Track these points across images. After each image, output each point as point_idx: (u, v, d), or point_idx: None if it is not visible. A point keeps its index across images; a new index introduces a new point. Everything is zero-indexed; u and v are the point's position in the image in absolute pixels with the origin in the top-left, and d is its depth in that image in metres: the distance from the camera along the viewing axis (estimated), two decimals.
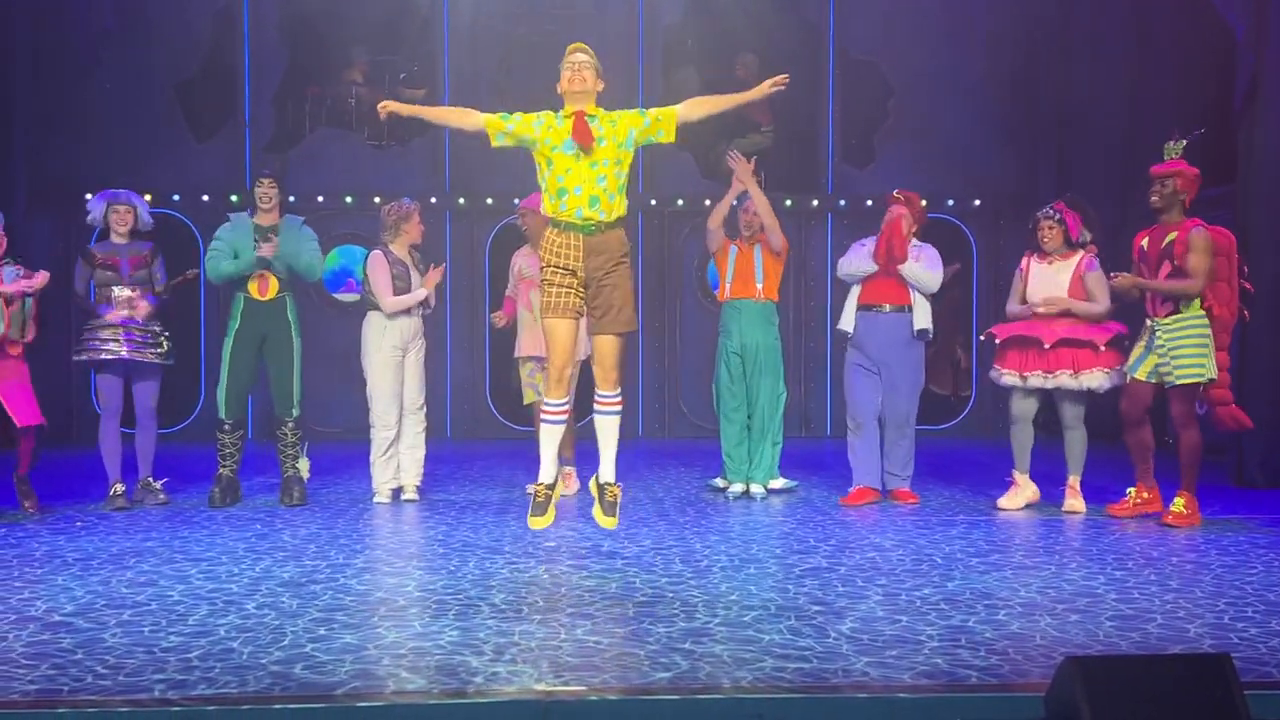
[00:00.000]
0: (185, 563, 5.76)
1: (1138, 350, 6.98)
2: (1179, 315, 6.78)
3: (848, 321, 7.76)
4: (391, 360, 7.62)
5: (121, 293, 7.35)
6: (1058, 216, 7.31)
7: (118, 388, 7.42)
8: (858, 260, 7.75)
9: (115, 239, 7.50)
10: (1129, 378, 6.98)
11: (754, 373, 7.95)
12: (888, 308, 7.63)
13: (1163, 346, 6.82)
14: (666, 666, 4.07)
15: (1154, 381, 6.89)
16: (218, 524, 6.86)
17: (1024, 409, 7.39)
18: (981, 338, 8.42)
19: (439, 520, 7.02)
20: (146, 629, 4.54)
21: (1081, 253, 7.30)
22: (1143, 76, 10.76)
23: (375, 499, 7.65)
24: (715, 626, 4.59)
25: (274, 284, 7.50)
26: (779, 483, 8.04)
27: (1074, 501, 7.30)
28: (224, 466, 7.56)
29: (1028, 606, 4.92)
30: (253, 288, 7.48)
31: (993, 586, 5.28)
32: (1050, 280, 7.29)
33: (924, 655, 4.21)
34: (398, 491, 7.75)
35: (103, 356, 7.29)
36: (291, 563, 5.77)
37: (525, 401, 8.07)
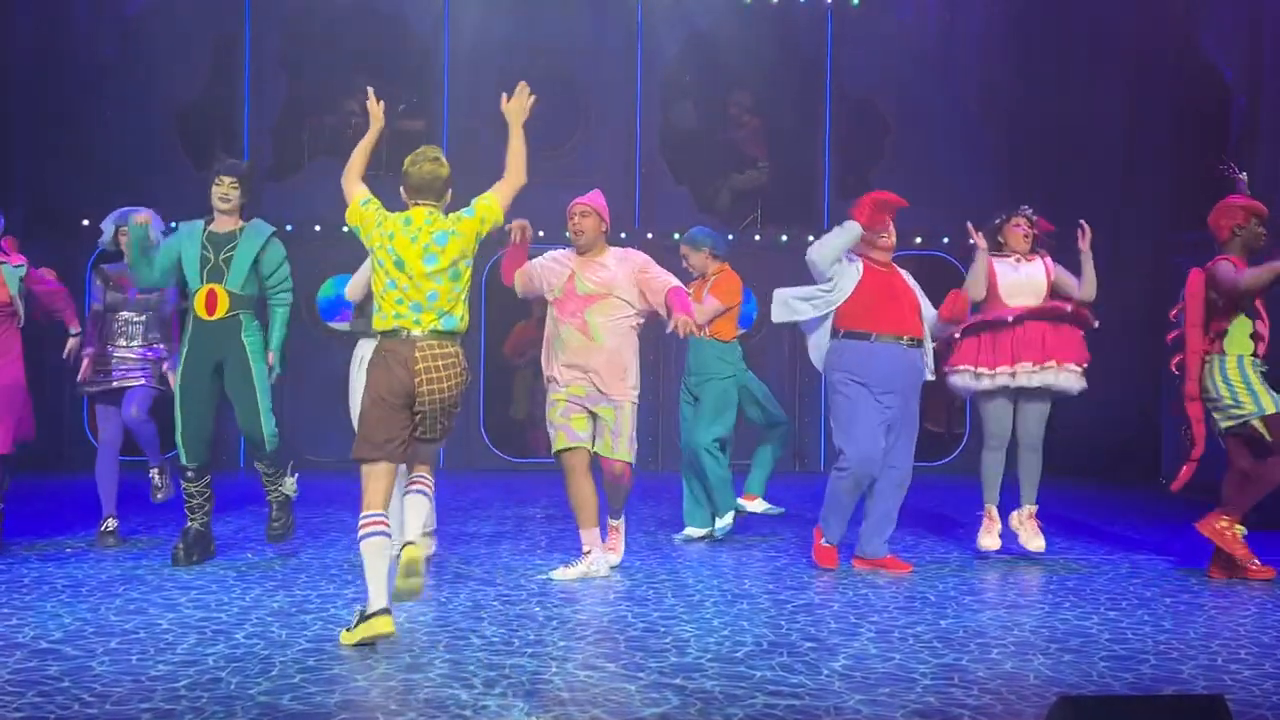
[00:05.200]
0: (175, 591, 5.73)
1: (1258, 384, 6.36)
2: None
3: (819, 347, 6.64)
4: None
5: (128, 319, 7.18)
6: (1034, 216, 7.01)
7: (115, 416, 7.20)
8: (841, 233, 6.58)
9: (127, 260, 6.93)
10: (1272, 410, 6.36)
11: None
12: (905, 340, 6.45)
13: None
14: (657, 702, 4.04)
15: None
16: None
17: (1005, 426, 6.80)
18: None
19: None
20: (134, 657, 4.51)
21: (1038, 256, 6.99)
22: (1139, 116, 10.84)
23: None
24: (707, 662, 4.56)
25: (223, 300, 6.39)
26: (725, 520, 7.43)
27: (1037, 540, 6.81)
28: (192, 519, 6.54)
29: (1021, 645, 4.90)
30: (199, 305, 6.40)
31: (986, 625, 5.26)
32: (1026, 282, 6.88)
33: (917, 693, 4.19)
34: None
35: (97, 389, 7.14)
36: (281, 592, 5.74)
37: (556, 448, 6.35)
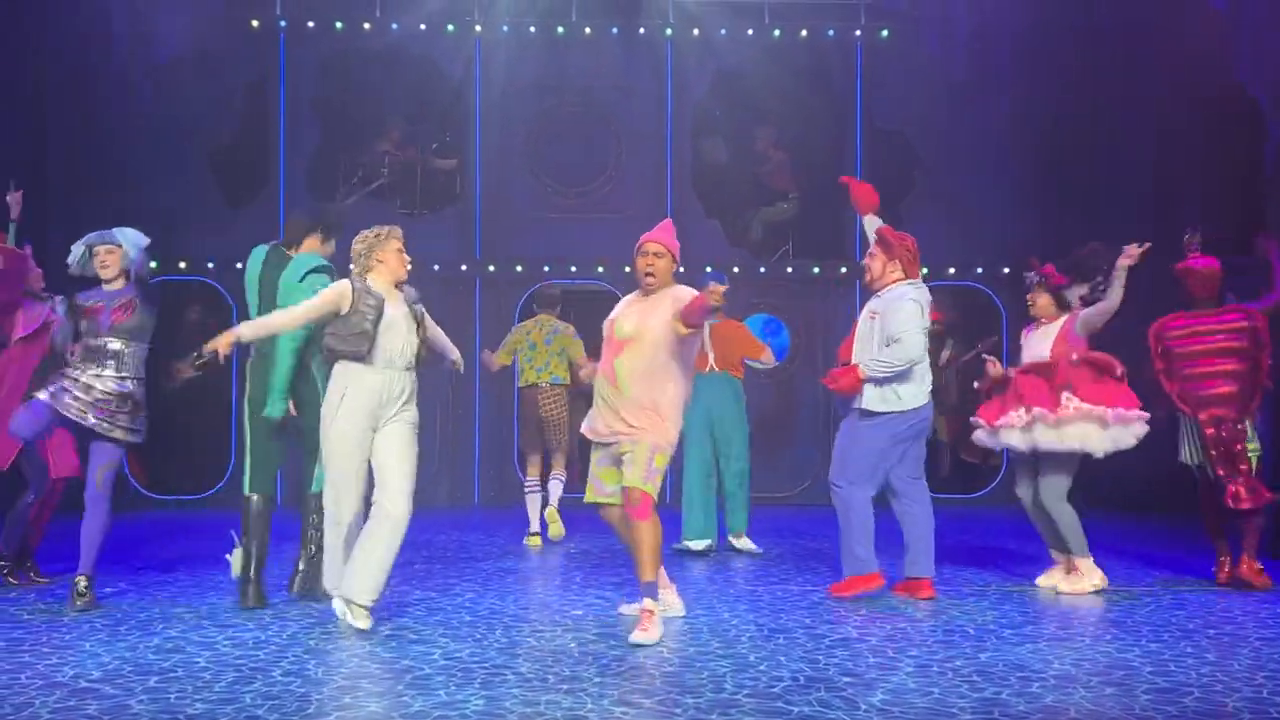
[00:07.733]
0: (213, 629, 5.75)
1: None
2: None
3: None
4: (354, 430, 5.72)
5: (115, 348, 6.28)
6: (1039, 280, 7.22)
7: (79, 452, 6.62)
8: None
9: (104, 286, 6.44)
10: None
11: None
12: None
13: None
14: None
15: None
16: None
17: (1020, 482, 7.08)
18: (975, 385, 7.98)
19: (466, 587, 6.99)
20: (173, 696, 4.53)
21: (1067, 316, 7.12)
22: (1171, 144, 10.79)
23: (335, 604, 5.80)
24: (743, 698, 4.53)
25: None
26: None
27: (1073, 584, 6.86)
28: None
29: (1061, 679, 4.84)
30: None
31: (1026, 658, 5.20)
32: (1036, 345, 7.19)
33: None
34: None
35: (62, 411, 6.15)
36: (318, 629, 5.75)
37: (587, 499, 6.10)
